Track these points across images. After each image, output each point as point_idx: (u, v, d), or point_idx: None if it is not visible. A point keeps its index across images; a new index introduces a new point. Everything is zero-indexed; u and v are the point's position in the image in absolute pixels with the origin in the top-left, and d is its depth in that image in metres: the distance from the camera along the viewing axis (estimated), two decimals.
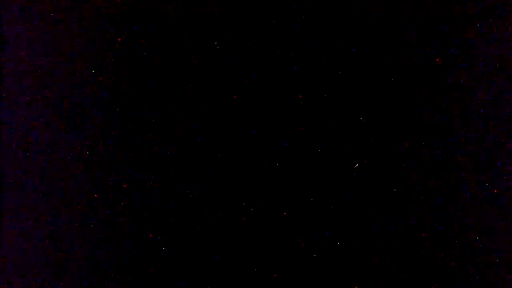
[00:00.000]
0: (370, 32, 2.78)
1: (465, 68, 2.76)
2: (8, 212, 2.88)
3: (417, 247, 2.74)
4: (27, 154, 2.87)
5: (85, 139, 2.85)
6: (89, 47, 2.86)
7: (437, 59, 2.76)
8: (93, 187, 2.84)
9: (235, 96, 2.81)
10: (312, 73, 2.79)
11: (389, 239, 2.74)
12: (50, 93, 2.87)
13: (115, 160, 2.83)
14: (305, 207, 2.78)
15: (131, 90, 2.84)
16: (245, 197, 2.79)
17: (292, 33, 2.79)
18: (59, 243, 2.85)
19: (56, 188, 2.85)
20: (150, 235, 2.81)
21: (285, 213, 2.78)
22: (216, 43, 2.81)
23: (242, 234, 2.79)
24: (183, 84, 2.82)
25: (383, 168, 2.76)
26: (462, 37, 2.76)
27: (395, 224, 2.75)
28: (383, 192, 2.76)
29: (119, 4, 2.85)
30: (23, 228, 2.86)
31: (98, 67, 2.85)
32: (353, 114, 2.77)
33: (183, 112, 2.82)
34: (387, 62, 2.77)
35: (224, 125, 2.81)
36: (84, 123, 2.85)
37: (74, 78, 2.87)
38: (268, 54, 2.80)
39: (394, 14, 2.77)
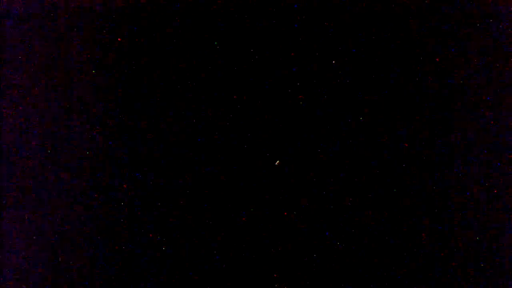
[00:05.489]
0: (370, 32, 2.78)
1: (465, 68, 2.76)
2: (8, 212, 2.88)
3: (417, 247, 2.74)
4: (27, 154, 2.87)
5: (85, 139, 2.85)
6: (89, 47, 2.86)
7: (437, 59, 2.76)
8: (93, 187, 2.84)
9: (235, 96, 2.81)
10: (312, 73, 2.79)
11: (389, 239, 2.74)
12: (50, 93, 2.87)
13: (115, 160, 2.83)
14: (305, 207, 2.78)
15: (131, 90, 2.84)
16: (245, 197, 2.79)
17: (292, 33, 2.79)
18: (59, 243, 2.85)
19: (56, 188, 2.85)
20: (150, 235, 2.81)
21: (285, 213, 2.78)
22: (216, 43, 2.81)
23: (242, 234, 2.79)
24: (183, 84, 2.82)
25: (383, 168, 2.76)
26: (462, 37, 2.76)
27: (395, 224, 2.75)
28: (384, 193, 2.76)
29: (119, 4, 2.85)
30: (23, 228, 2.86)
31: (98, 67, 2.85)
32: (353, 114, 2.77)
33: (183, 112, 2.82)
34: (386, 62, 2.77)
35: (224, 125, 2.81)
36: (84, 123, 2.85)
37: (74, 78, 2.87)
38: (268, 54, 2.80)
39: (394, 14, 2.77)
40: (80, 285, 2.83)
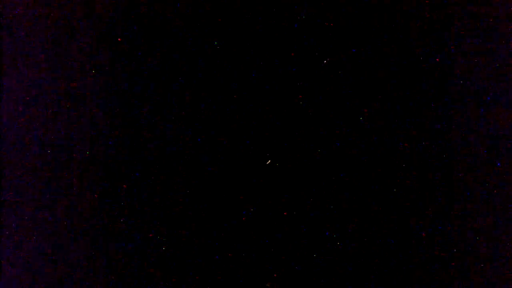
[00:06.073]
0: (370, 32, 2.78)
1: (465, 68, 2.76)
2: (8, 212, 2.88)
3: (417, 247, 2.74)
4: (27, 154, 2.87)
5: (85, 139, 2.85)
6: (89, 47, 2.86)
7: (437, 59, 2.76)
8: (93, 187, 2.84)
9: (235, 96, 2.81)
10: (312, 73, 2.79)
11: (389, 239, 2.74)
12: (50, 93, 2.87)
13: (115, 160, 2.84)
14: (305, 207, 2.78)
15: (131, 90, 2.84)
16: (245, 197, 2.79)
17: (292, 33, 2.79)
18: (59, 243, 2.85)
19: (56, 188, 2.85)
20: (150, 235, 2.81)
21: (285, 213, 2.78)
22: (216, 43, 2.81)
23: (242, 234, 2.79)
24: (183, 84, 2.83)
25: (383, 168, 2.76)
26: (462, 37, 2.76)
27: (395, 224, 2.75)
28: (384, 193, 2.76)
29: (119, 4, 2.86)
30: (23, 228, 2.86)
31: (98, 67, 2.85)
32: (353, 114, 2.78)
33: (183, 112, 2.82)
34: (386, 62, 2.77)
35: (224, 125, 2.81)
36: (84, 123, 2.85)
37: (74, 78, 2.87)
38: (268, 54, 2.80)
39: (394, 14, 2.77)
40: (80, 285, 2.83)
